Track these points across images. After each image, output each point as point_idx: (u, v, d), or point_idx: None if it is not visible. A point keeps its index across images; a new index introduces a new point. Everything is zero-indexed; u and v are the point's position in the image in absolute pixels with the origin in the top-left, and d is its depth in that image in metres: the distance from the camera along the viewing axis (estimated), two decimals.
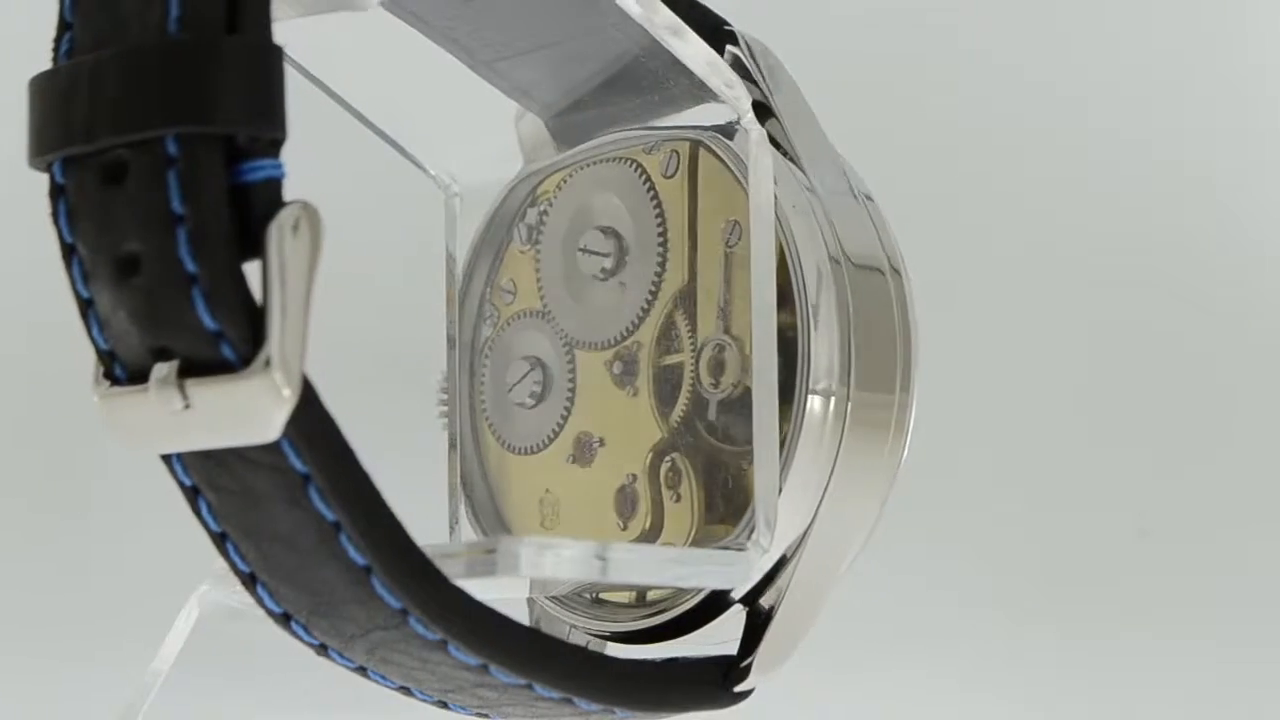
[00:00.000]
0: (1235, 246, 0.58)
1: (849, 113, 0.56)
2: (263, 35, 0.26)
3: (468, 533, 0.43)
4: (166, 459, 0.29)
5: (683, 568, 0.34)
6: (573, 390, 0.40)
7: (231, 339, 0.26)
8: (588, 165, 0.40)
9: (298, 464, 0.27)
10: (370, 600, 0.29)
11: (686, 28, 0.33)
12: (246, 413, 0.26)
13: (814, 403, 0.34)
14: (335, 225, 0.51)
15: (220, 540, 0.30)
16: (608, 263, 0.39)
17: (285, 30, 0.37)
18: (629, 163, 0.39)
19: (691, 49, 0.33)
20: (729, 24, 0.37)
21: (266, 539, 0.30)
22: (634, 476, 0.38)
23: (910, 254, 0.58)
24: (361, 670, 0.32)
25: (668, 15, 0.33)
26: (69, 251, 0.28)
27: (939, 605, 0.53)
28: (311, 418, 0.26)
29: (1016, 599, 0.54)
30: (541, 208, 0.41)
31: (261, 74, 0.26)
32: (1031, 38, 0.58)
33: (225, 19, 0.26)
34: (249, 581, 0.31)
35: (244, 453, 0.28)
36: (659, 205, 0.38)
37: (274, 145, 0.26)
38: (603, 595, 0.39)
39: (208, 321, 0.26)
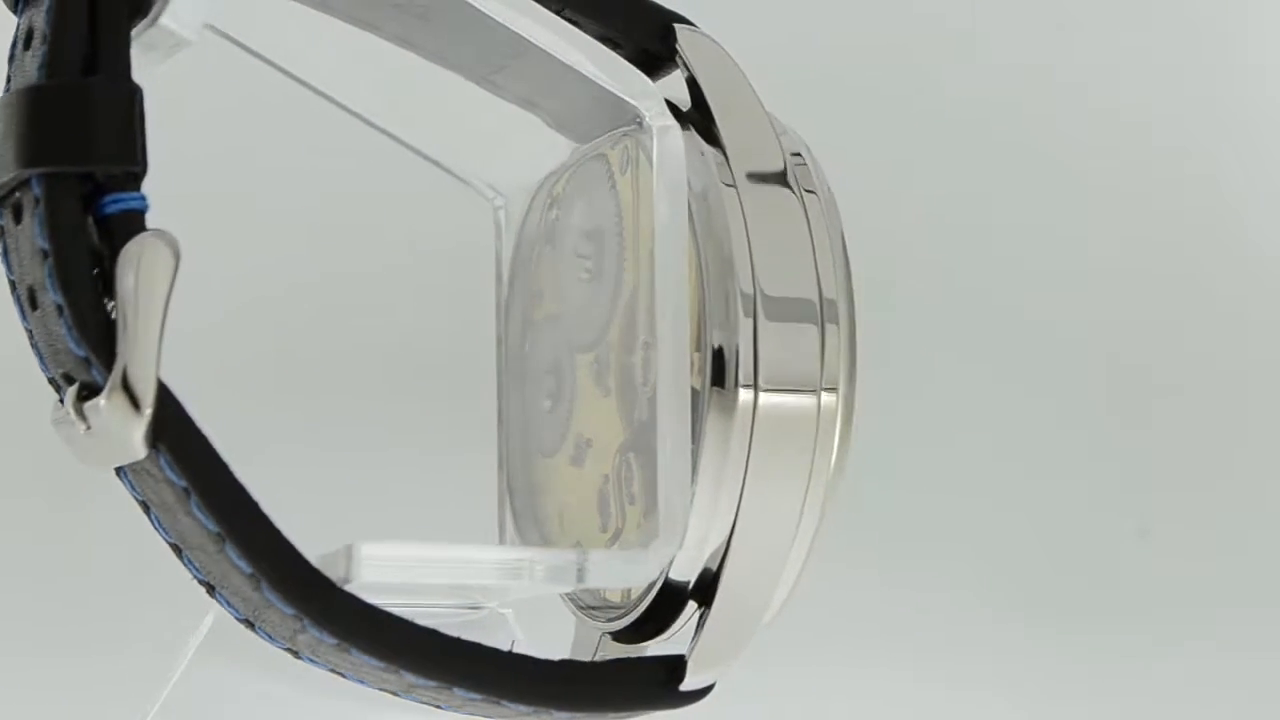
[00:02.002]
0: (1239, 244, 0.57)
1: (845, 108, 0.56)
2: (118, 76, 0.28)
3: (511, 538, 0.43)
4: (119, 476, 0.31)
5: (576, 572, 0.34)
6: (573, 393, 0.41)
7: (97, 364, 0.27)
8: (578, 165, 0.41)
9: (174, 478, 0.28)
10: (272, 606, 0.31)
11: (571, 30, 0.34)
12: (116, 431, 0.28)
13: (720, 399, 0.34)
14: (391, 237, 0.53)
15: (177, 551, 0.32)
16: (589, 264, 0.40)
17: (316, 64, 0.39)
18: (601, 159, 0.39)
19: (578, 53, 0.34)
20: (683, 21, 0.37)
21: (194, 548, 0.31)
22: (606, 478, 0.39)
23: (908, 248, 0.57)
24: (336, 672, 0.34)
25: (546, 19, 0.34)
26: (11, 287, 0.30)
27: (936, 605, 0.53)
28: (179, 433, 0.28)
29: (1015, 599, 0.53)
30: (555, 212, 0.42)
31: (115, 113, 0.28)
32: (1030, 30, 0.58)
33: (83, 62, 0.28)
34: (209, 590, 0.32)
35: (145, 468, 0.30)
36: (617, 203, 0.38)
37: (131, 179, 0.28)
38: (607, 596, 0.40)
39: (75, 348, 0.28)
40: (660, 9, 0.37)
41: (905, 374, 0.55)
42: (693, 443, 0.33)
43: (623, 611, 0.38)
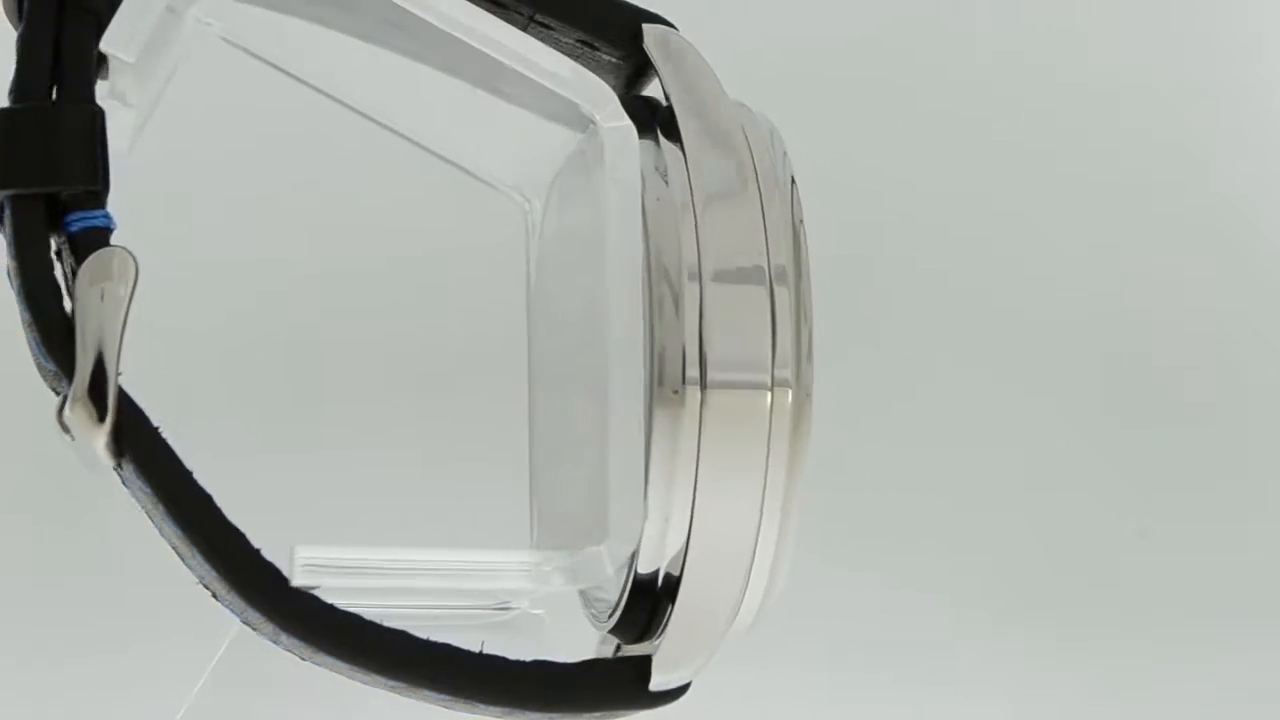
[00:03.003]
0: (1239, 244, 0.57)
1: (842, 106, 0.56)
2: (80, 98, 0.29)
3: (538, 540, 0.43)
4: (123, 483, 0.32)
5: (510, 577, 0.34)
6: (572, 394, 0.41)
7: (64, 377, 0.29)
8: (568, 162, 0.40)
9: (144, 485, 0.30)
10: (248, 609, 0.32)
11: (519, 37, 0.34)
12: (84, 442, 0.29)
13: (665, 396, 0.33)
14: (429, 244, 0.54)
15: (179, 554, 0.33)
16: (574, 261, 0.39)
17: (340, 78, 0.40)
18: (581, 154, 0.39)
19: (528, 60, 0.34)
20: (658, 20, 0.36)
21: (183, 553, 0.33)
22: (592, 479, 0.38)
23: (906, 248, 0.56)
24: (338, 671, 0.35)
25: (492, 27, 0.34)
26: None
27: (935, 606, 0.53)
28: (141, 443, 0.29)
29: (1014, 600, 0.53)
30: (563, 209, 0.42)
31: (76, 134, 0.29)
32: (1030, 29, 0.57)
33: (47, 87, 0.29)
34: (213, 593, 0.33)
35: (126, 476, 0.31)
36: (591, 200, 0.38)
37: (93, 197, 0.29)
38: (607, 596, 0.40)
39: (45, 362, 0.29)
40: (630, 9, 0.36)
41: (903, 375, 0.55)
42: (647, 441, 0.33)
43: (611, 610, 0.39)
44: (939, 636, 0.53)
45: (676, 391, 0.33)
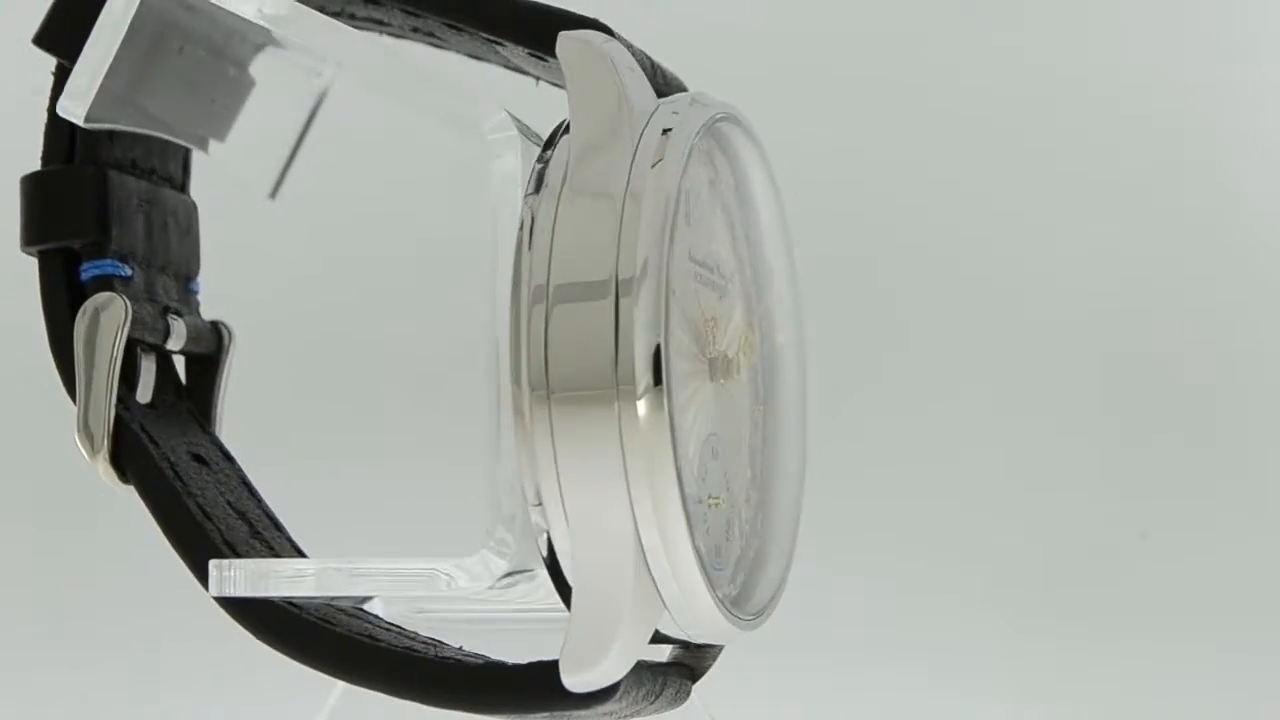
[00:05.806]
0: (1240, 246, 0.57)
1: (840, 104, 0.56)
2: (86, 160, 0.34)
3: None
4: None
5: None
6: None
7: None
8: None
9: (145, 506, 0.34)
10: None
11: (405, 62, 0.35)
12: (91, 465, 0.33)
13: (517, 401, 0.32)
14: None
15: None
16: None
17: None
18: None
19: (406, 81, 0.35)
20: (585, 24, 0.35)
21: None
22: None
23: (907, 249, 0.57)
24: None
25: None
26: None
27: (936, 607, 0.54)
28: (137, 467, 0.33)
29: (1015, 601, 0.54)
30: None
31: (80, 193, 0.34)
32: (1031, 27, 0.57)
33: (66, 152, 0.34)
34: None
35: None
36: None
37: (97, 248, 0.34)
38: None
39: (68, 394, 0.33)
40: (555, 17, 0.35)
41: (904, 376, 0.56)
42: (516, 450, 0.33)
43: None
44: (941, 638, 0.54)
45: (527, 394, 0.32)
